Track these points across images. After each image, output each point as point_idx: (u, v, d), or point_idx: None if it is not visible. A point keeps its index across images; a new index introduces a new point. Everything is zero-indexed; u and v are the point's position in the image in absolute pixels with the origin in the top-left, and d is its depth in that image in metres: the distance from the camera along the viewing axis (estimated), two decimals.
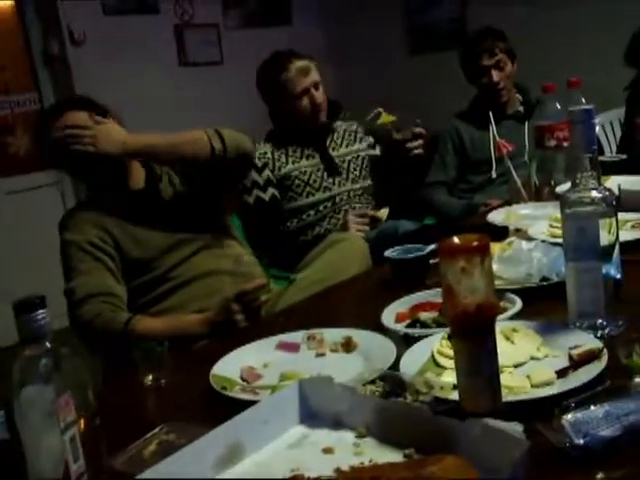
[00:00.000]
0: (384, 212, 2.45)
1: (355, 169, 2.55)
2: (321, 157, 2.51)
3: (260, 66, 2.51)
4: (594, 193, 1.12)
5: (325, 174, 2.49)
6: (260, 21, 5.17)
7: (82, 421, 0.82)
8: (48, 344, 0.81)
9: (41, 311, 0.80)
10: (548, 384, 1.00)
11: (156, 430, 1.02)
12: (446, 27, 4.96)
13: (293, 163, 2.47)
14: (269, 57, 2.50)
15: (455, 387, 0.95)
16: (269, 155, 2.46)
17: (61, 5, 4.24)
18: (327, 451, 0.91)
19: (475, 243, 0.85)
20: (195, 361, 1.40)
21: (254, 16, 5.18)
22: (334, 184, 2.50)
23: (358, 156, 2.58)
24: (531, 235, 1.63)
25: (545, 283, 1.38)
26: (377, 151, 2.64)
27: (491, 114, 2.75)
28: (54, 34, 4.32)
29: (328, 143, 2.54)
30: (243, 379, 1.20)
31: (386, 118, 2.40)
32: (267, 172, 2.44)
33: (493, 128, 2.75)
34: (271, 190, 2.44)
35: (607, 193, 1.13)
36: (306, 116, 2.43)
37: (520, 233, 1.68)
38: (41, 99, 4.38)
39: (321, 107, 2.43)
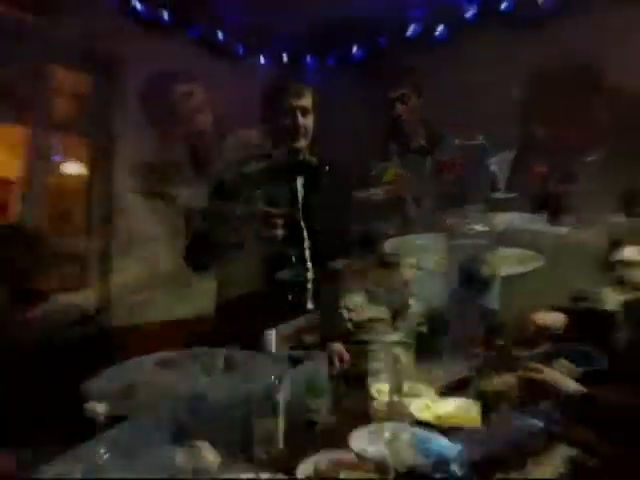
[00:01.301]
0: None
1: None
2: None
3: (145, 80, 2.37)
4: (479, 227, 1.16)
5: None
6: None
7: None
8: None
9: None
10: None
11: None
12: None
13: None
14: (152, 76, 2.37)
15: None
16: None
17: None
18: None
19: (354, 268, 0.86)
20: None
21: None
22: None
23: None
24: (420, 265, 1.65)
25: (428, 311, 1.40)
26: None
27: (394, 146, 2.79)
28: None
29: None
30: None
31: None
32: None
33: (395, 160, 2.78)
34: None
35: (491, 228, 1.17)
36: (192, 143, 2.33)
37: (411, 262, 1.70)
38: None
39: (205, 137, 2.34)
